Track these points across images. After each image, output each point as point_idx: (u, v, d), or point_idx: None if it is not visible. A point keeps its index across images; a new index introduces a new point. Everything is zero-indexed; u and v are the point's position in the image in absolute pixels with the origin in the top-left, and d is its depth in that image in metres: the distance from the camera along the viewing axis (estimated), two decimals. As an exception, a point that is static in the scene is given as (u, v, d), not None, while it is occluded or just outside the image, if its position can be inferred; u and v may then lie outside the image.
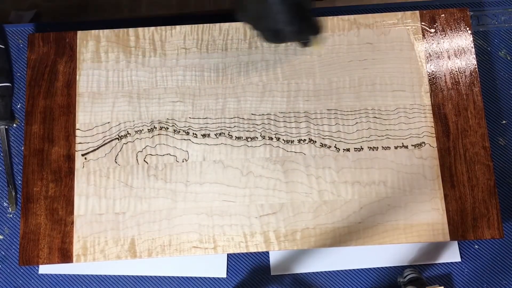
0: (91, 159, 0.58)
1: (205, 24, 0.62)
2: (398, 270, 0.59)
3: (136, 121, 0.60)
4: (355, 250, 0.60)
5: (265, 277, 0.59)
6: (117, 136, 0.59)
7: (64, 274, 0.59)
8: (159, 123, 0.59)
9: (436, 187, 0.58)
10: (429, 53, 0.62)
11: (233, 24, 0.62)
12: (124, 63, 0.61)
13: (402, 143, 0.59)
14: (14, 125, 0.63)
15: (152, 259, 0.58)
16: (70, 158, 0.58)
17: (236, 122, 0.59)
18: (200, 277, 0.59)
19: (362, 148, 0.59)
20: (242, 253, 0.60)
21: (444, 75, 0.61)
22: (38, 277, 0.59)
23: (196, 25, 0.62)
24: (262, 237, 0.56)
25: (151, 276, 0.59)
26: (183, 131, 0.59)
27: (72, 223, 0.57)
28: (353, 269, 0.59)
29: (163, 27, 0.62)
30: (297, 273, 0.59)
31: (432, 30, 0.62)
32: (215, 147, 0.59)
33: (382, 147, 0.59)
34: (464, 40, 0.62)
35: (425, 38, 0.62)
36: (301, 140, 0.59)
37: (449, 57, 0.62)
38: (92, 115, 0.60)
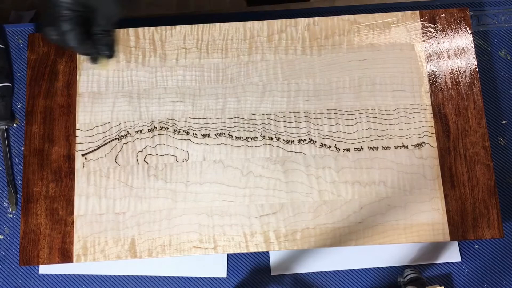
0: (91, 159, 0.58)
1: (205, 24, 0.62)
2: (398, 270, 0.59)
3: (136, 121, 0.60)
4: (355, 250, 0.60)
5: (265, 277, 0.59)
6: (117, 136, 0.59)
7: (64, 274, 0.59)
8: (159, 123, 0.59)
9: (436, 187, 0.58)
10: (429, 53, 0.62)
11: (233, 24, 0.62)
12: (124, 63, 0.61)
13: (402, 143, 0.59)
14: (14, 125, 0.63)
15: (152, 259, 0.58)
16: (70, 158, 0.58)
17: (236, 122, 0.59)
18: (200, 277, 0.59)
19: (362, 148, 0.59)
20: (242, 253, 0.60)
21: (444, 75, 0.61)
22: (38, 277, 0.59)
23: (196, 25, 0.62)
24: (262, 237, 0.56)
25: (151, 276, 0.59)
26: (183, 131, 0.59)
27: (72, 223, 0.57)
28: (353, 269, 0.59)
29: (163, 27, 0.62)
30: (297, 273, 0.59)
31: (432, 30, 0.62)
32: (215, 147, 0.59)
33: (382, 147, 0.59)
34: (464, 40, 0.62)
35: (425, 38, 0.62)
36: (301, 140, 0.59)
37: (449, 57, 0.62)
38: (92, 115, 0.60)
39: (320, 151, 0.59)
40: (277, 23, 0.62)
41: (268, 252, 0.60)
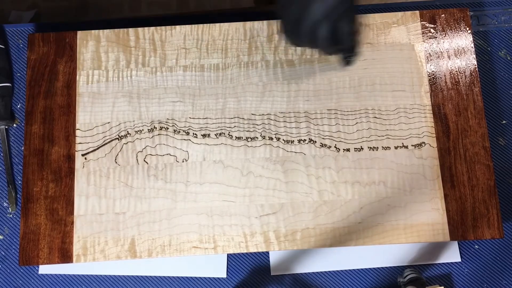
0: (91, 159, 0.58)
1: (205, 24, 0.62)
2: (398, 270, 0.59)
3: (136, 121, 0.60)
4: (355, 250, 0.60)
5: (265, 277, 0.59)
6: (117, 136, 0.59)
7: (64, 274, 0.59)
8: (159, 123, 0.59)
9: (436, 187, 0.58)
10: (429, 53, 0.62)
11: (233, 24, 0.62)
12: (124, 63, 0.61)
13: (402, 143, 0.59)
14: (14, 125, 0.63)
15: (152, 259, 0.58)
16: (70, 158, 0.58)
17: (236, 122, 0.59)
18: (200, 277, 0.59)
19: (362, 148, 0.59)
20: (242, 253, 0.60)
21: (444, 75, 0.61)
22: (38, 277, 0.59)
23: (196, 25, 0.62)
24: (262, 237, 0.56)
25: (151, 276, 0.59)
26: (183, 131, 0.59)
27: (72, 223, 0.57)
28: (353, 269, 0.60)
29: (163, 27, 0.62)
30: (297, 273, 0.59)
31: (432, 30, 0.62)
32: (215, 147, 0.59)
33: (382, 147, 0.59)
34: (464, 40, 0.62)
35: (425, 38, 0.62)
36: (301, 140, 0.59)
37: (449, 57, 0.62)
38: (92, 115, 0.60)
39: (320, 151, 0.59)
40: (277, 23, 0.62)
41: (268, 252, 0.60)
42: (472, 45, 0.62)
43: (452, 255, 0.60)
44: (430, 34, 0.62)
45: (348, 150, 0.59)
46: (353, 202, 0.57)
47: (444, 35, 0.62)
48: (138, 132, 0.59)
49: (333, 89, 0.61)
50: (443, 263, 0.60)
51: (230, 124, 0.59)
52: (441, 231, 0.57)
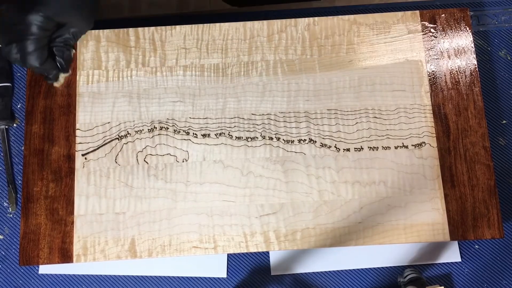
0: (91, 159, 0.58)
1: (205, 24, 0.62)
2: (398, 270, 0.59)
3: (136, 121, 0.59)
4: (355, 250, 0.60)
5: (265, 277, 0.59)
6: (117, 136, 0.59)
7: (64, 274, 0.59)
8: (159, 123, 0.59)
9: (436, 187, 0.58)
10: (429, 53, 0.62)
11: (233, 24, 0.62)
12: (124, 63, 0.61)
13: (402, 143, 0.59)
14: (14, 125, 0.63)
15: (152, 259, 0.58)
16: (70, 158, 0.58)
17: (236, 122, 0.59)
18: (200, 277, 0.59)
19: (362, 148, 0.59)
20: (242, 253, 0.60)
21: (444, 75, 0.61)
22: (38, 277, 0.59)
23: (196, 25, 0.62)
24: (262, 237, 0.56)
25: (151, 276, 0.59)
26: (183, 131, 0.59)
27: (72, 223, 0.57)
28: (353, 269, 0.60)
29: (163, 27, 0.62)
30: (297, 273, 0.59)
31: (433, 30, 0.62)
32: (215, 147, 0.59)
33: (382, 147, 0.59)
34: (464, 40, 0.62)
35: (425, 38, 0.62)
36: (301, 140, 0.59)
37: (449, 57, 0.62)
38: (92, 115, 0.60)
39: (320, 151, 0.59)
40: (277, 23, 0.62)
41: (268, 252, 0.60)
42: (472, 45, 0.62)
43: (452, 255, 0.60)
44: (430, 34, 0.62)
45: (348, 150, 0.59)
46: (353, 202, 0.57)
47: (444, 35, 0.62)
48: (138, 132, 0.59)
49: (333, 89, 0.61)
50: (443, 263, 0.60)
51: (230, 124, 0.59)
52: (441, 231, 0.57)
